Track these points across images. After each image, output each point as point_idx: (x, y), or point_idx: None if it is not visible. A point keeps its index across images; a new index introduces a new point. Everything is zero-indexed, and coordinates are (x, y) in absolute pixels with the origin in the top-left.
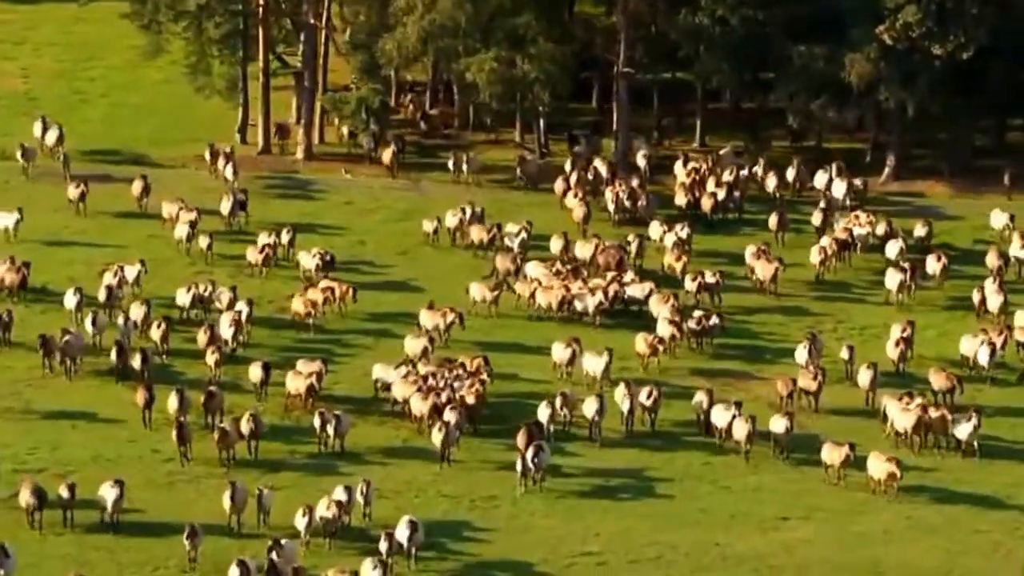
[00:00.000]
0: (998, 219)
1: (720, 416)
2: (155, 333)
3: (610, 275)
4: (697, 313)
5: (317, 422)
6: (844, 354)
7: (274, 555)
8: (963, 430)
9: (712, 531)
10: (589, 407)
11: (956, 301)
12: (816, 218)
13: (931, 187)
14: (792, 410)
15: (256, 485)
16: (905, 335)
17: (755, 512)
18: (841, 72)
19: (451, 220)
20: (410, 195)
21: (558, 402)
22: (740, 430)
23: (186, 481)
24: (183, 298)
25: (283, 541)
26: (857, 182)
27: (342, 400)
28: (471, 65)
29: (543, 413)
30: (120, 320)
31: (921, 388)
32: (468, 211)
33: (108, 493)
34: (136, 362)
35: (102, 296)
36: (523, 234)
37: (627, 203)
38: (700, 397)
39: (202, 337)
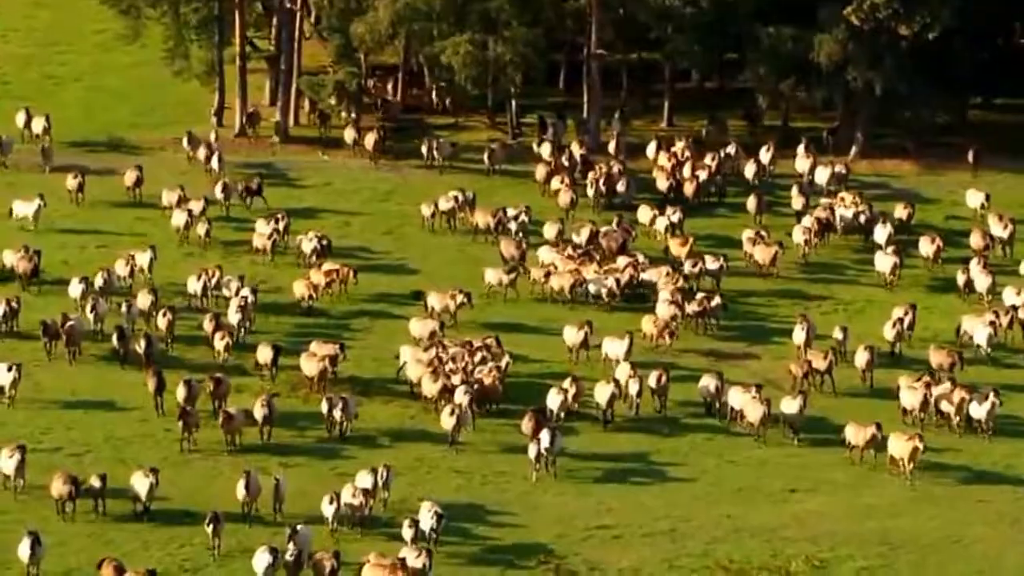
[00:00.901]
0: (974, 198)
1: (737, 398)
2: (161, 322)
3: (625, 260)
4: (700, 295)
5: (325, 406)
6: (838, 334)
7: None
8: (980, 410)
9: (722, 504)
10: (603, 392)
11: (937, 281)
12: (797, 202)
13: (898, 165)
14: (806, 390)
15: (263, 469)
16: (907, 317)
17: (763, 485)
18: (810, 53)
19: (444, 204)
20: (391, 176)
21: (569, 388)
22: (755, 412)
23: (201, 459)
24: (194, 285)
25: (299, 527)
26: (840, 168)
27: (345, 381)
28: (446, 48)
29: (554, 400)
30: (123, 307)
31: (918, 368)
32: (460, 197)
33: (142, 483)
34: (139, 347)
35: (99, 283)
36: (522, 217)
37: (603, 187)
38: (708, 380)
39: (208, 325)
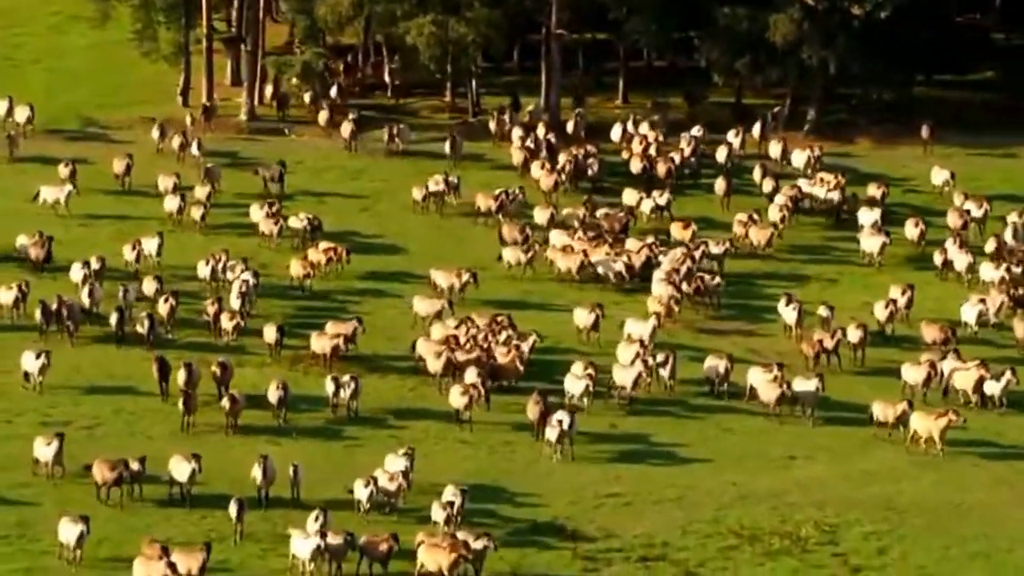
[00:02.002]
0: (938, 176)
1: (755, 377)
2: (163, 308)
3: (641, 243)
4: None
5: (331, 386)
6: (824, 312)
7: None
8: (995, 386)
9: (726, 472)
10: (628, 375)
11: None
12: (767, 185)
13: (850, 140)
14: (821, 371)
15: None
16: (904, 296)
17: (763, 453)
18: (765, 32)
19: (433, 187)
20: (360, 155)
21: (588, 372)
22: (771, 393)
23: (210, 432)
24: (203, 270)
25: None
26: (815, 151)
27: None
28: (410, 28)
29: (577, 385)
30: (121, 292)
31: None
32: (444, 182)
33: (183, 469)
34: (141, 327)
35: (95, 266)
36: (503, 197)
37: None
38: (717, 361)
39: (211, 308)
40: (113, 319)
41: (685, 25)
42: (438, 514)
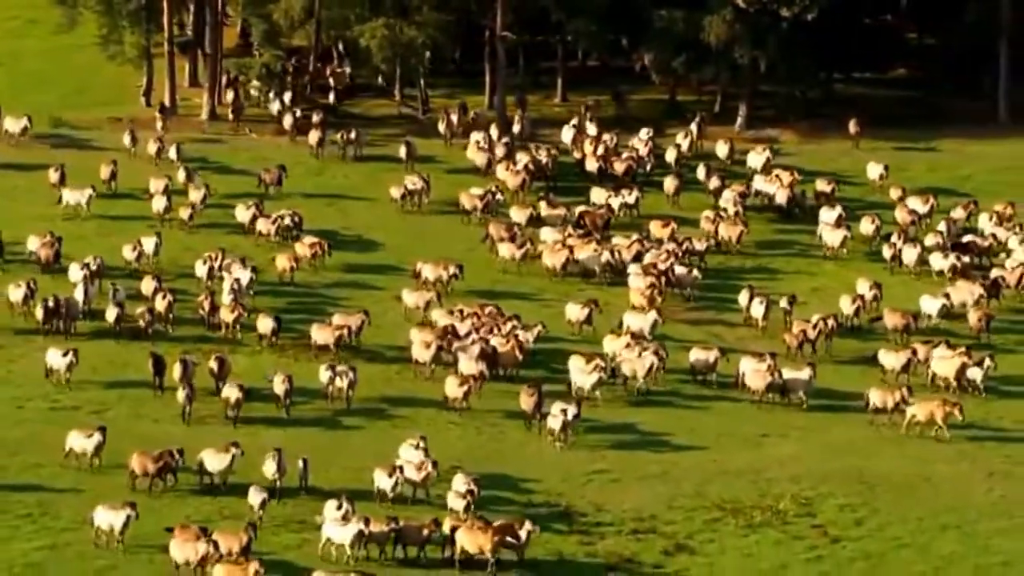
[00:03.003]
0: (873, 170)
1: (747, 365)
2: (160, 304)
3: (631, 239)
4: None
5: (326, 375)
6: (784, 304)
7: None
8: (977, 372)
9: (705, 449)
10: (643, 363)
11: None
12: (713, 183)
13: (780, 134)
14: (814, 361)
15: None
16: (870, 293)
17: (738, 431)
18: (700, 33)
19: (411, 185)
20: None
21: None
22: (760, 381)
23: (213, 416)
24: (200, 270)
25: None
26: (768, 154)
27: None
28: (363, 32)
29: (589, 379)
30: (111, 292)
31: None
32: (420, 182)
33: (220, 460)
34: (142, 321)
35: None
36: (488, 196)
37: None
38: (708, 353)
39: (206, 304)
40: (112, 316)
41: (623, 27)
42: (457, 503)
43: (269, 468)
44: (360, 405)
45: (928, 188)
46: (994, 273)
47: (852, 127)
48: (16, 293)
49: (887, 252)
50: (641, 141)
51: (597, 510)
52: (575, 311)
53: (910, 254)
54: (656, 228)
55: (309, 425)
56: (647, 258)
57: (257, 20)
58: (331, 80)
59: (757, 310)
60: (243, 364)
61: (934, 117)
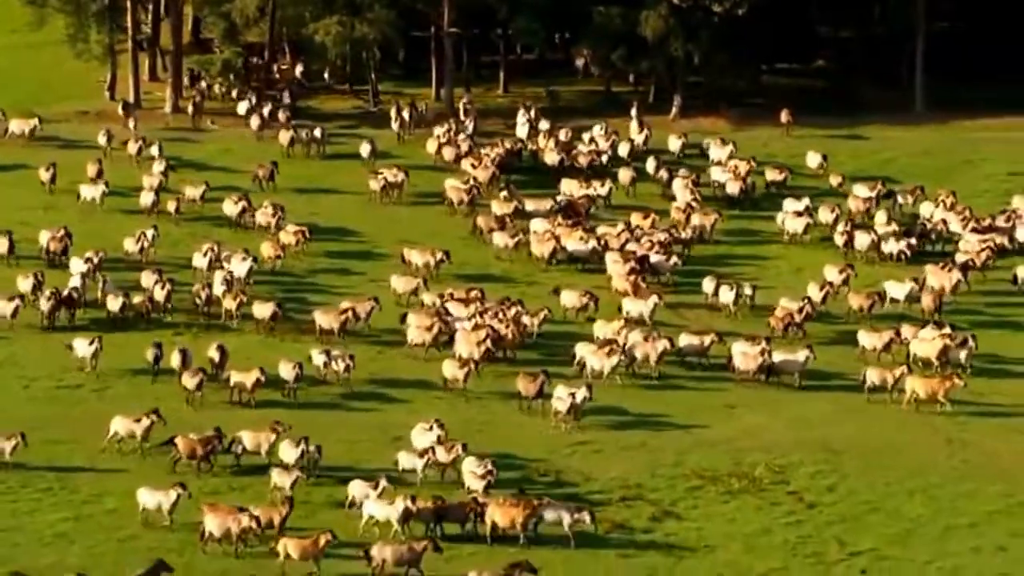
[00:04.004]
0: (813, 159)
1: (739, 347)
2: (159, 294)
3: (619, 228)
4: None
5: (321, 359)
6: (748, 290)
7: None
8: (960, 352)
9: (679, 421)
10: (655, 348)
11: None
12: (662, 175)
13: (713, 123)
14: (811, 343)
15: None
16: (841, 276)
17: (707, 404)
18: (636, 28)
19: (391, 178)
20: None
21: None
22: (751, 364)
23: (219, 399)
24: (200, 261)
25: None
26: (732, 147)
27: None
28: (318, 29)
29: (606, 363)
30: (101, 282)
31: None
32: (400, 175)
33: (292, 453)
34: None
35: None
36: (473, 190)
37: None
38: (703, 338)
39: (203, 294)
40: (116, 305)
41: (563, 23)
42: (476, 483)
43: (289, 452)
44: (347, 387)
45: (857, 174)
46: (961, 258)
47: (784, 116)
48: (24, 283)
49: (839, 239)
50: (602, 135)
51: (585, 479)
52: (571, 298)
53: (863, 240)
54: (637, 219)
55: (299, 408)
56: (629, 245)
57: (217, 18)
58: (278, 75)
59: (727, 296)
60: (233, 344)
61: (854, 106)
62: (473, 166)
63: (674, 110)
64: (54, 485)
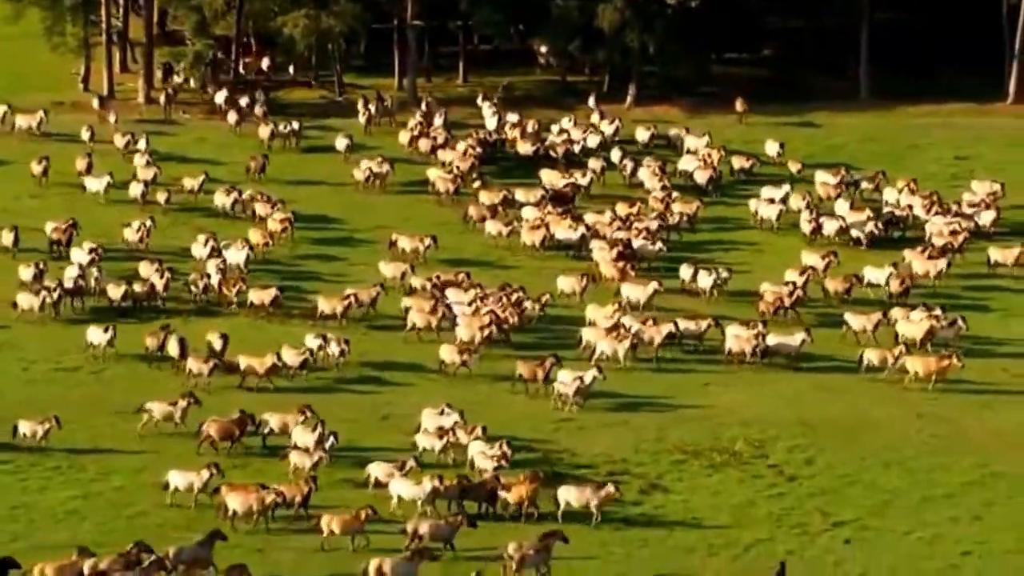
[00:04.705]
0: (771, 147)
1: (734, 331)
2: (159, 283)
3: (611, 217)
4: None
5: (315, 343)
6: (724, 273)
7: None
8: (949, 332)
9: (658, 398)
10: (660, 331)
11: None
12: (627, 167)
13: (666, 111)
14: (808, 327)
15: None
16: (824, 261)
17: (684, 382)
18: (593, 20)
19: (378, 168)
20: (252, 127)
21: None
22: (745, 346)
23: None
24: (200, 250)
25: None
26: (708, 137)
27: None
28: (286, 22)
29: (621, 347)
30: (94, 272)
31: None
32: (386, 165)
33: (310, 437)
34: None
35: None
36: (458, 179)
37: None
38: (701, 323)
39: (200, 283)
40: (117, 294)
41: (522, 16)
42: (487, 463)
43: (304, 436)
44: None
45: (809, 160)
46: (940, 242)
47: (739, 105)
48: (26, 272)
49: (807, 227)
50: (578, 126)
51: (572, 455)
52: (568, 283)
53: (831, 226)
54: (623, 208)
55: (293, 392)
56: (619, 233)
57: (187, 11)
58: (243, 70)
59: (705, 281)
60: (223, 329)
61: (801, 94)
62: (462, 155)
63: (629, 99)
64: (62, 464)
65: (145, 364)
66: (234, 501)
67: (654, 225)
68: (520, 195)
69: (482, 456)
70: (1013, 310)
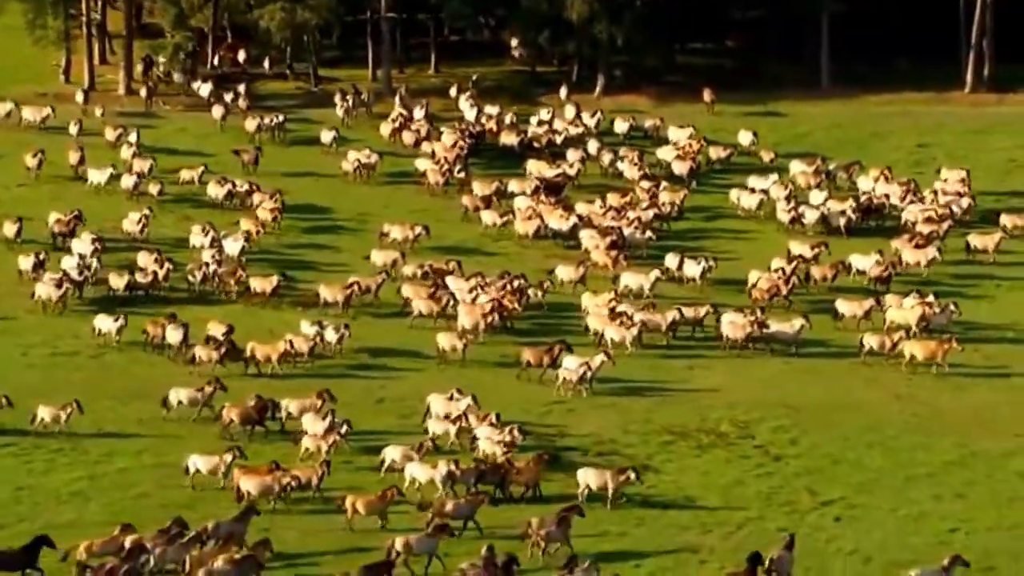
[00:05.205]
0: (744, 137)
1: (729, 317)
2: (160, 272)
3: (605, 207)
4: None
5: (311, 329)
6: (711, 262)
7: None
8: (942, 318)
9: (643, 381)
10: (666, 317)
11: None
12: (605, 158)
13: (634, 100)
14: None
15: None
16: (814, 251)
17: (668, 365)
18: (563, 12)
19: (366, 160)
20: (233, 119)
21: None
22: (739, 332)
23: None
24: (202, 240)
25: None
26: (690, 129)
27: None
28: (263, 15)
29: (626, 334)
30: (78, 259)
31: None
32: (373, 156)
33: (320, 424)
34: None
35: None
36: (447, 171)
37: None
38: (688, 312)
39: (198, 273)
40: (120, 283)
41: (493, 6)
42: (494, 448)
43: (316, 423)
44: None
45: (776, 148)
46: (927, 229)
47: (707, 95)
48: (26, 262)
49: (785, 216)
50: (565, 118)
51: (561, 435)
52: (567, 272)
53: (811, 215)
54: (614, 198)
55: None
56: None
57: (166, 3)
58: (217, 62)
59: (693, 270)
60: (217, 316)
61: (764, 83)
62: (452, 146)
63: (597, 89)
64: (64, 446)
65: (141, 350)
66: (249, 483)
67: (650, 215)
68: (513, 186)
69: (488, 441)
70: (988, 295)
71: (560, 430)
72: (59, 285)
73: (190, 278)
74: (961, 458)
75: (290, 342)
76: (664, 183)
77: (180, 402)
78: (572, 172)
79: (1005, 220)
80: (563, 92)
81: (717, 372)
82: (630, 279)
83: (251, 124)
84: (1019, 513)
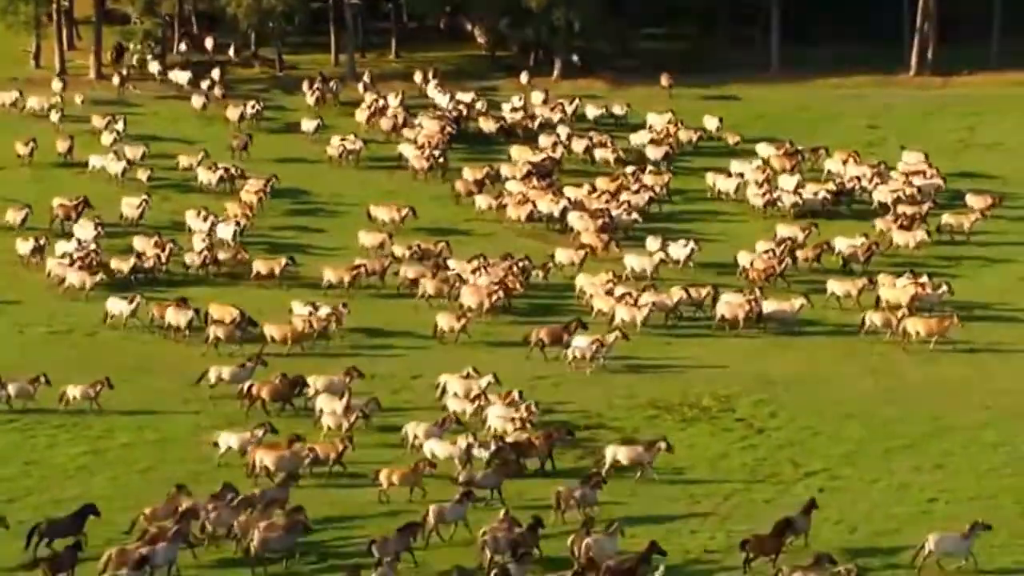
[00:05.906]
0: (710, 122)
1: (728, 297)
2: (163, 255)
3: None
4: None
5: (304, 311)
6: (694, 244)
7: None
8: (934, 296)
9: (626, 357)
10: (672, 298)
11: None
12: (580, 146)
13: (591, 84)
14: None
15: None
16: (804, 233)
17: (647, 342)
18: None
19: (351, 145)
20: (214, 109)
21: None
22: (739, 312)
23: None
24: (198, 224)
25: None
26: (668, 114)
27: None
28: (231, 2)
29: (640, 314)
30: (73, 241)
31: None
32: (358, 142)
33: (338, 404)
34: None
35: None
36: (432, 158)
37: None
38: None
39: (197, 259)
40: (126, 267)
41: None
42: (505, 425)
43: (330, 403)
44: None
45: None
46: (911, 210)
47: (664, 80)
48: (24, 247)
49: (758, 200)
50: (547, 103)
51: (548, 410)
52: (566, 256)
53: (788, 199)
54: (604, 182)
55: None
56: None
57: None
58: (184, 47)
59: (679, 252)
60: (210, 297)
61: (716, 67)
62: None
63: (556, 73)
64: (66, 422)
65: (137, 328)
66: (267, 459)
67: (644, 198)
68: (505, 171)
69: (500, 419)
70: (962, 275)
71: (547, 404)
72: (92, 272)
73: (188, 261)
74: (937, 430)
75: (310, 323)
76: (651, 167)
77: (221, 378)
78: (556, 155)
79: (972, 201)
80: (524, 77)
81: (695, 348)
82: (633, 261)
83: (233, 113)
84: (996, 483)
